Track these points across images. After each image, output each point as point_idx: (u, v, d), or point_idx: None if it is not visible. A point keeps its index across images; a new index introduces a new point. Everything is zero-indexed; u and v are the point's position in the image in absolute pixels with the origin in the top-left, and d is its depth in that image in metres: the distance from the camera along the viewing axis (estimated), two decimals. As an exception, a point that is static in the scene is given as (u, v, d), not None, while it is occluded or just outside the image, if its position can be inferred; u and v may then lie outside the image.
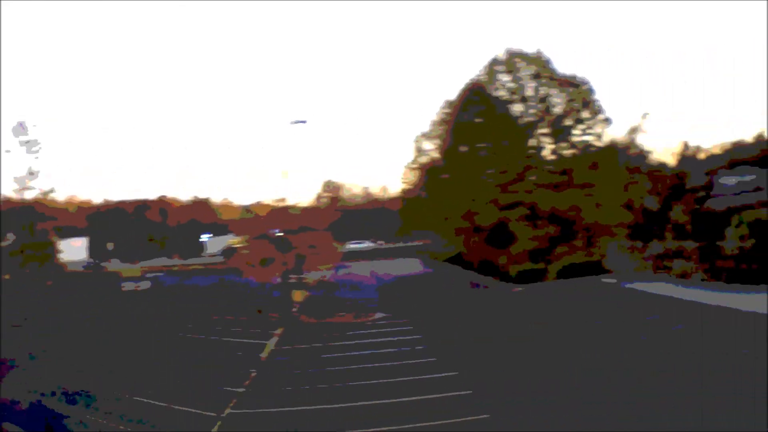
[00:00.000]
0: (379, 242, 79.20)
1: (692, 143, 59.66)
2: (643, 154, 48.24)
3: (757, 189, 55.21)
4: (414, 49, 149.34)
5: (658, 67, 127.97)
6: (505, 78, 46.21)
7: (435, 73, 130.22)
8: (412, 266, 60.18)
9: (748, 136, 66.39)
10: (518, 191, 43.60)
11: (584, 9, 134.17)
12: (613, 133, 46.86)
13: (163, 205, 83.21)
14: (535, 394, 16.39)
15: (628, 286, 36.91)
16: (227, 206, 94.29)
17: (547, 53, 45.93)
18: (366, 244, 77.30)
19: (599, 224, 43.96)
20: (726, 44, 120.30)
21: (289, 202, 52.36)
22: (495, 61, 46.47)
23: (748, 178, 57.79)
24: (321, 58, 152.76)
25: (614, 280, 39.26)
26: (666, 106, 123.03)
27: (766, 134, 62.46)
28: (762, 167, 58.09)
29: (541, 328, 26.54)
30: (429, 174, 47.94)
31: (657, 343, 21.40)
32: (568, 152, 45.45)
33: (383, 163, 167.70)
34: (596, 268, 43.26)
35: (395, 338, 25.18)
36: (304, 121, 45.76)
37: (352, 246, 75.75)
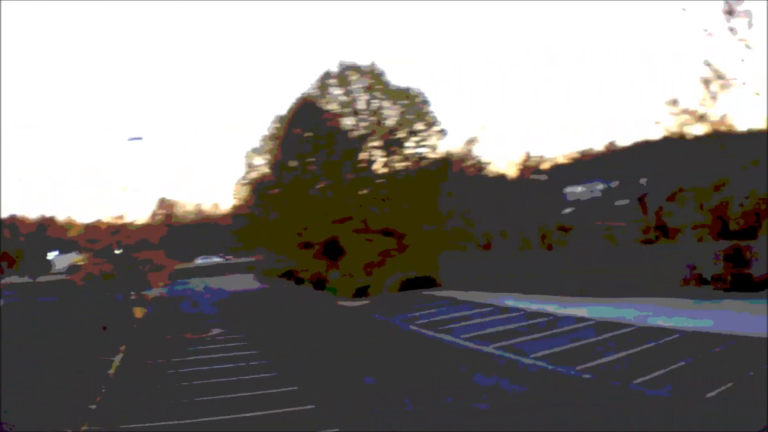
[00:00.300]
0: (227, 257, 78.79)
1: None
2: (481, 166, 48.39)
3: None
4: (248, 64, 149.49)
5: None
6: (337, 91, 45.59)
7: (268, 89, 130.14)
8: (247, 282, 60.39)
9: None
10: (349, 206, 43.00)
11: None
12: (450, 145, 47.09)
13: (14, 221, 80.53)
14: (377, 405, 16.66)
15: (448, 295, 38.20)
16: (71, 223, 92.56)
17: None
18: (214, 259, 77.26)
19: (433, 237, 43.76)
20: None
21: (128, 219, 51.72)
22: (327, 75, 45.78)
23: (598, 186, 58.77)
24: (155, 71, 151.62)
25: (442, 292, 39.79)
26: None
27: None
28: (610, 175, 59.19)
29: (374, 340, 27.32)
30: (260, 190, 46.97)
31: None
32: (400, 165, 45.10)
33: (216, 180, 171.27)
34: (431, 282, 43.28)
35: (235, 353, 25.30)
36: (140, 138, 44.89)
37: (201, 261, 75.70)
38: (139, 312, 40.59)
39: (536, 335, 24.31)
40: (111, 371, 23.87)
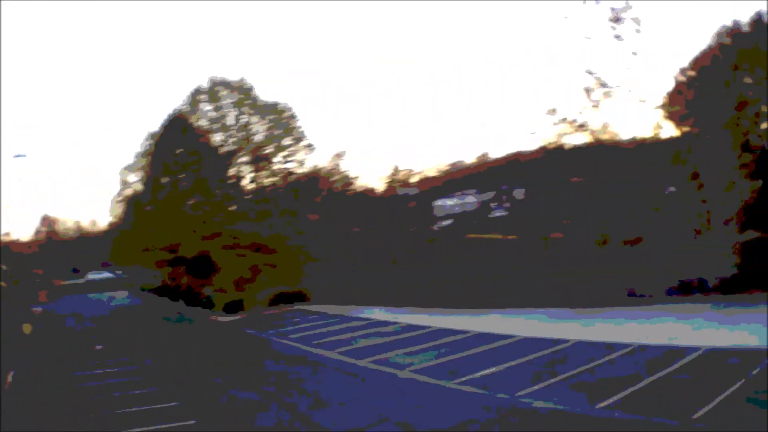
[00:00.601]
0: (117, 272, 77.97)
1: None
2: (348, 180, 49.92)
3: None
4: (124, 80, 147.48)
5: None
6: (207, 107, 46.07)
7: (143, 105, 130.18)
8: (123, 298, 60.63)
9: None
10: (218, 222, 43.51)
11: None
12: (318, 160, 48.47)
13: None
14: (257, 419, 17.37)
15: (319, 309, 39.90)
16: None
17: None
18: (105, 275, 76.49)
19: (302, 252, 44.71)
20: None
21: (13, 236, 51.43)
22: (198, 91, 46.16)
23: (468, 199, 61.20)
24: (39, 86, 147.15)
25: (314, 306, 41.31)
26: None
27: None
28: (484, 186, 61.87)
29: (247, 355, 28.04)
30: (134, 206, 46.96)
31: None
32: (268, 180, 46.00)
33: (96, 196, 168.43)
34: (302, 296, 44.28)
35: (117, 369, 25.53)
36: (24, 155, 44.58)
37: (92, 276, 74.90)
38: (27, 328, 40.44)
39: (411, 348, 24.74)
40: (5, 386, 24.29)
